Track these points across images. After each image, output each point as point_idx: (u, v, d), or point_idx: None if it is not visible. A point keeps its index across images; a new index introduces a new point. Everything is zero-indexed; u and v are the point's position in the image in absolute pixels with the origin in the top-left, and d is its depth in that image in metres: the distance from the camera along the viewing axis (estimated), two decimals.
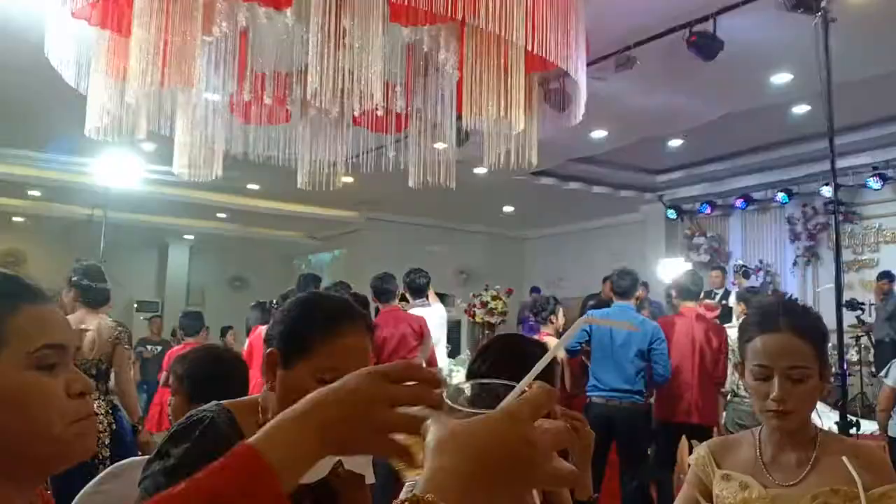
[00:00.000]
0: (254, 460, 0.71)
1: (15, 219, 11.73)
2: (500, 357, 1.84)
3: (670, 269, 9.86)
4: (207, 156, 4.71)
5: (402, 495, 0.65)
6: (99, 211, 8.58)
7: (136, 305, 13.72)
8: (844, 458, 1.45)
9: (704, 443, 1.70)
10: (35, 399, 0.89)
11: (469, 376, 1.88)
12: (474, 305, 7.84)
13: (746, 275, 9.83)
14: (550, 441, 0.69)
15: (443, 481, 0.64)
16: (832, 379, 4.51)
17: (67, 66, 4.03)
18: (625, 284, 5.10)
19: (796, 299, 1.72)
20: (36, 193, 10.78)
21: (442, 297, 6.70)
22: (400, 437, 0.75)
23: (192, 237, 14.40)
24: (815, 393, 1.52)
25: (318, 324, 1.40)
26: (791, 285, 10.51)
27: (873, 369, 8.94)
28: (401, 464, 0.78)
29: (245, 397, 1.53)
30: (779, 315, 1.54)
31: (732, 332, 5.66)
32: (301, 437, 0.74)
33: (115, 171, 7.64)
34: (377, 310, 5.55)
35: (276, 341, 1.41)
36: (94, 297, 4.10)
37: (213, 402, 1.43)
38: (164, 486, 1.24)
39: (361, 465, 1.43)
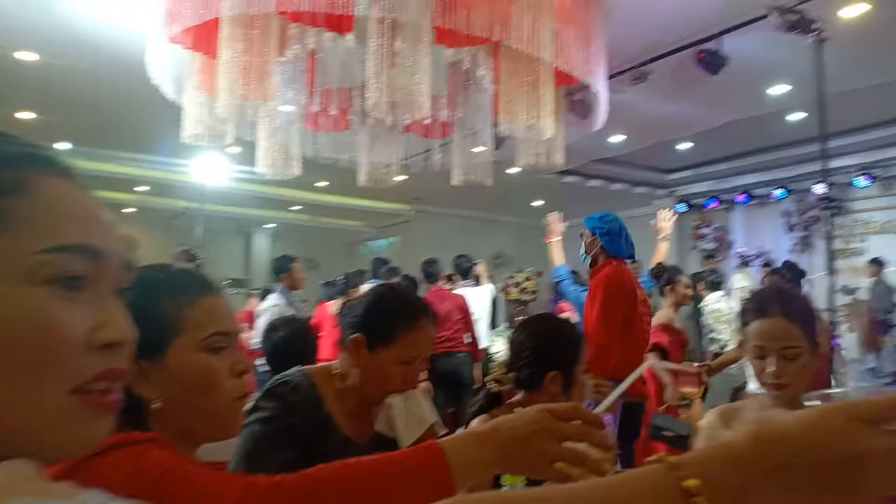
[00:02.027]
0: (438, 456, 0.76)
1: (124, 210, 12.01)
2: (536, 330, 1.89)
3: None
4: (284, 157, 4.77)
5: None
6: (195, 204, 8.75)
7: (227, 283, 14.02)
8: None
9: (714, 408, 1.69)
10: (207, 377, 0.92)
11: (511, 342, 1.91)
12: (509, 285, 7.82)
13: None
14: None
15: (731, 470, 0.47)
16: (831, 349, 4.40)
17: (166, 82, 4.11)
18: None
19: (790, 286, 1.68)
20: (142, 189, 11.03)
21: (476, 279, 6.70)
22: (561, 466, 0.77)
23: (272, 226, 14.63)
24: (807, 368, 1.51)
25: (402, 319, 1.43)
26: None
27: None
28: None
29: (320, 364, 1.56)
30: (772, 302, 1.54)
31: (719, 305, 5.61)
32: (481, 451, 0.78)
33: (208, 170, 7.79)
34: (426, 289, 5.57)
35: (361, 328, 1.44)
36: None
37: (296, 368, 1.47)
38: (259, 431, 1.34)
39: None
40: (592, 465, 0.75)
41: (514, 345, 1.88)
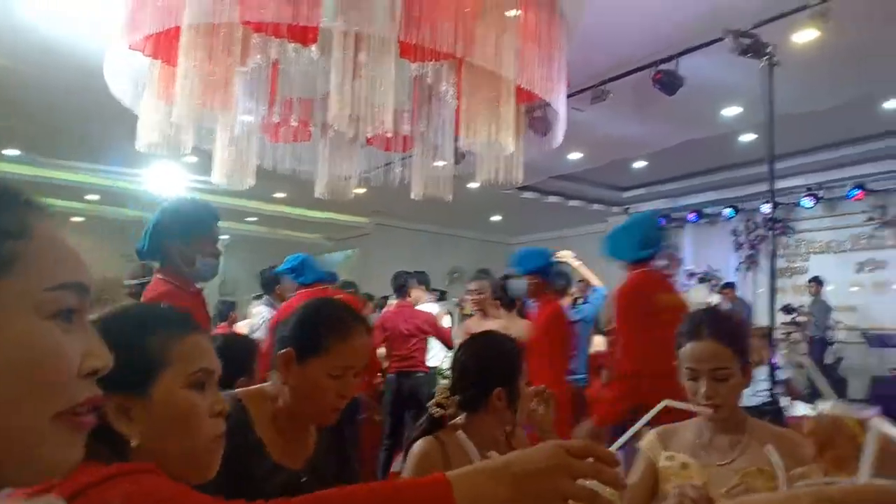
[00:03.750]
0: (444, 488, 0.73)
1: (73, 219, 11.63)
2: (478, 349, 1.85)
3: None
4: (241, 168, 4.68)
5: None
6: (148, 214, 8.52)
7: None
8: (768, 447, 1.45)
9: (654, 429, 1.70)
10: (190, 414, 0.91)
11: (454, 364, 1.86)
12: (465, 300, 7.82)
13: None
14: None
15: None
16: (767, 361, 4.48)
17: (123, 89, 4.00)
18: (560, 283, 4.95)
19: (720, 308, 1.72)
20: (93, 197, 10.71)
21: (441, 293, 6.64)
22: None
23: (226, 237, 14.34)
24: (737, 387, 1.54)
25: (333, 327, 1.38)
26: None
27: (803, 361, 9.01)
28: None
29: (252, 387, 1.50)
30: (703, 325, 1.56)
31: None
32: (492, 484, 0.75)
33: (163, 179, 7.61)
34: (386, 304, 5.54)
35: (290, 341, 1.38)
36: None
37: (225, 392, 1.40)
38: None
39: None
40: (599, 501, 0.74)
41: (457, 366, 1.84)
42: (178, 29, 3.27)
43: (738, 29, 4.27)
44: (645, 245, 3.18)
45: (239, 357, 2.24)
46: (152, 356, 0.91)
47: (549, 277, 4.07)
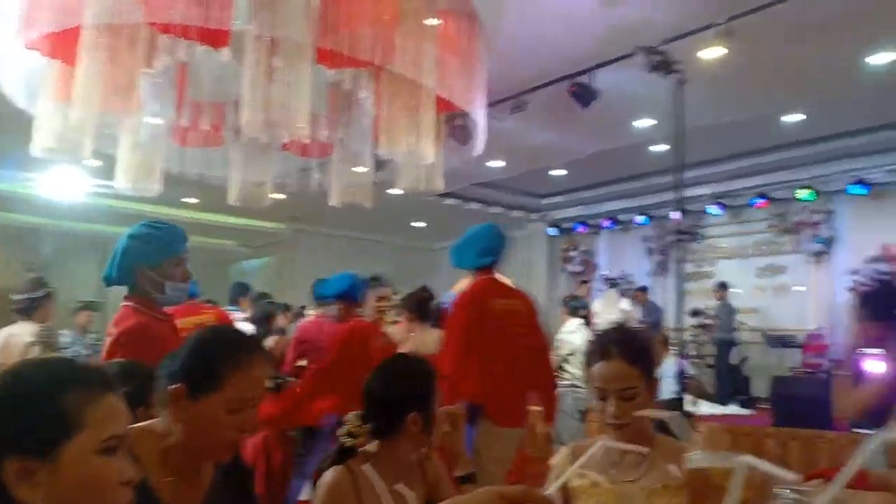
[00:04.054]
0: None
1: None
2: (390, 374, 1.81)
3: None
4: (148, 174, 4.44)
5: None
6: (45, 220, 7.99)
7: (81, 305, 12.86)
8: (671, 467, 1.48)
9: (566, 446, 1.72)
10: (99, 483, 0.87)
11: (365, 393, 1.79)
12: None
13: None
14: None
15: None
16: (658, 390, 4.66)
17: (16, 90, 3.72)
18: None
19: (628, 325, 1.75)
20: None
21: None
22: None
23: None
24: (644, 406, 1.56)
25: (228, 358, 1.27)
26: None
27: (709, 361, 9.43)
28: None
29: (139, 424, 1.36)
30: (611, 344, 1.58)
31: (573, 336, 5.73)
32: None
33: (61, 185, 7.15)
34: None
35: (181, 376, 1.27)
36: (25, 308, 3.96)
37: None
38: None
39: None
40: None
41: (370, 393, 1.77)
42: (78, 28, 3.06)
43: (650, 46, 4.43)
44: (485, 253, 3.33)
45: (138, 386, 2.10)
46: (64, 418, 0.84)
47: (354, 300, 4.07)
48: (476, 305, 3.08)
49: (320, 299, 4.11)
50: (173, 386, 1.27)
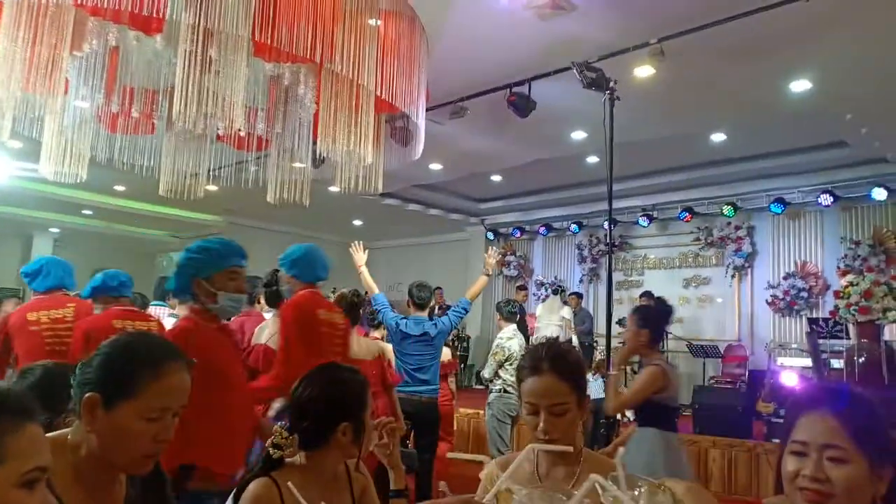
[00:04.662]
0: None
1: None
2: (321, 383, 1.75)
3: None
4: (73, 159, 4.27)
5: None
6: None
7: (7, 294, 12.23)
8: (597, 482, 1.52)
9: (493, 460, 1.71)
10: None
11: (293, 402, 1.75)
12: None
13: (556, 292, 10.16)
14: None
15: None
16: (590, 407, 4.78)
17: None
18: (423, 296, 4.84)
19: (559, 341, 1.76)
20: None
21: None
22: None
23: (57, 231, 13.05)
24: (574, 421, 1.58)
25: (145, 366, 1.23)
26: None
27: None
28: None
29: (51, 434, 1.28)
30: (543, 360, 1.58)
31: (511, 343, 5.76)
32: None
33: None
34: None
35: (95, 385, 1.22)
36: None
37: None
38: None
39: None
40: None
41: (299, 402, 1.71)
42: None
43: (586, 61, 4.55)
44: (324, 270, 3.52)
45: (62, 391, 2.02)
46: None
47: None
48: (306, 314, 3.24)
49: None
50: (87, 394, 1.22)
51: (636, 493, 0.85)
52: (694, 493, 1.13)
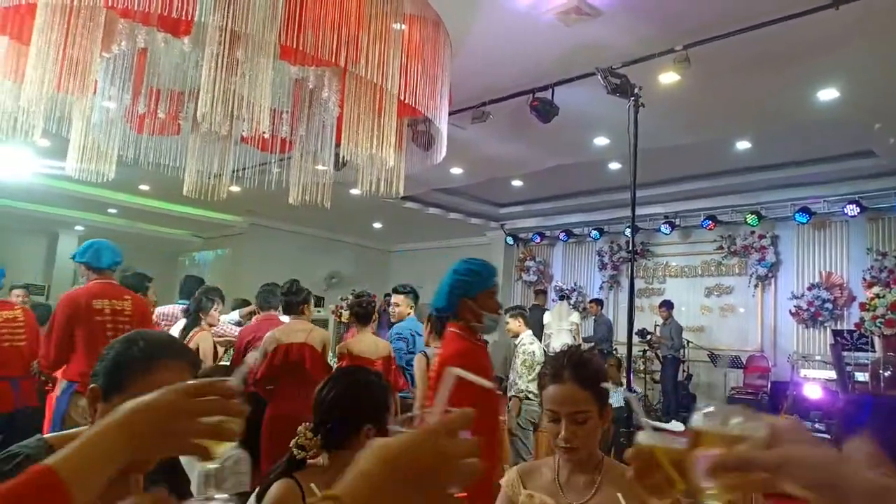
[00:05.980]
0: (46, 475, 0.70)
1: None
2: (346, 386, 1.78)
3: None
4: (100, 158, 4.33)
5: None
6: None
7: (23, 287, 12.42)
8: (618, 495, 1.50)
9: (515, 466, 1.72)
10: None
11: (316, 402, 1.77)
12: (341, 307, 7.69)
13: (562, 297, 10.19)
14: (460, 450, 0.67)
15: (354, 482, 0.64)
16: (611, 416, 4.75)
17: None
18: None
19: (582, 350, 1.76)
20: None
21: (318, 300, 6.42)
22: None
23: (82, 228, 13.24)
24: (595, 430, 1.58)
25: (136, 361, 1.24)
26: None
27: (655, 377, 9.62)
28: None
29: (66, 431, 1.31)
30: (564, 368, 1.59)
31: (533, 347, 5.75)
32: (106, 449, 0.74)
33: (7, 163, 6.91)
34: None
35: (98, 378, 1.25)
36: None
37: (36, 437, 1.23)
38: None
39: None
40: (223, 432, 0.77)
41: (323, 404, 1.74)
42: (32, 6, 2.98)
43: (610, 67, 4.53)
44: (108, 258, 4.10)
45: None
46: None
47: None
48: (80, 304, 3.84)
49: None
50: (91, 386, 1.24)
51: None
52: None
